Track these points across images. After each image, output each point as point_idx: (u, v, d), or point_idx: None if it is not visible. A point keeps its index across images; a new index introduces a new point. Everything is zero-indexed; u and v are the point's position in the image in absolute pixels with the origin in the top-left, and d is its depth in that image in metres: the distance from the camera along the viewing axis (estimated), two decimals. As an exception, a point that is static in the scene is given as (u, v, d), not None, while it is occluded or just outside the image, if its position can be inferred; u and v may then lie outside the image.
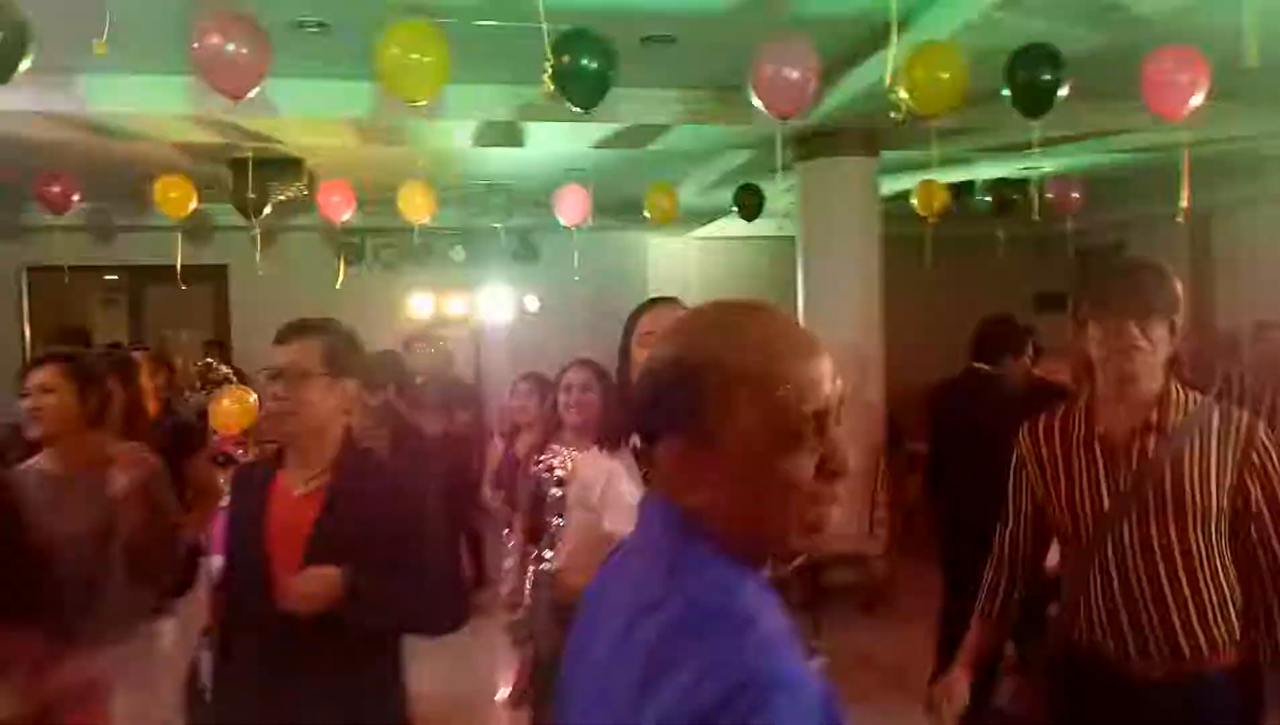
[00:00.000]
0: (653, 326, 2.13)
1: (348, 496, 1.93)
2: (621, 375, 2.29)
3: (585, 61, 3.38)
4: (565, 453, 3.17)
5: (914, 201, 6.00)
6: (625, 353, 2.25)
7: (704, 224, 8.65)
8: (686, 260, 9.46)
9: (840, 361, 0.87)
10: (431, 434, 5.49)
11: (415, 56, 3.15)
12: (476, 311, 8.88)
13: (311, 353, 1.93)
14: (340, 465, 1.96)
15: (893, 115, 3.43)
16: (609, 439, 2.62)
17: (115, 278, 9.44)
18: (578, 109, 3.50)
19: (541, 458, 3.20)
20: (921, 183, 6.03)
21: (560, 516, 3.00)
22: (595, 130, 5.25)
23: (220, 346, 8.47)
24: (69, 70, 4.16)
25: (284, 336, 1.96)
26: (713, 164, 6.61)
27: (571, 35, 3.35)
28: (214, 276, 8.65)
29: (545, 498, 3.07)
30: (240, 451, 5.37)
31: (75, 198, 5.91)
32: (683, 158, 6.30)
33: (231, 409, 4.99)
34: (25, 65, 2.89)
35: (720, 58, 4.27)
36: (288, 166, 6.07)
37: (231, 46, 2.84)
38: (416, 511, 1.99)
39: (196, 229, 7.75)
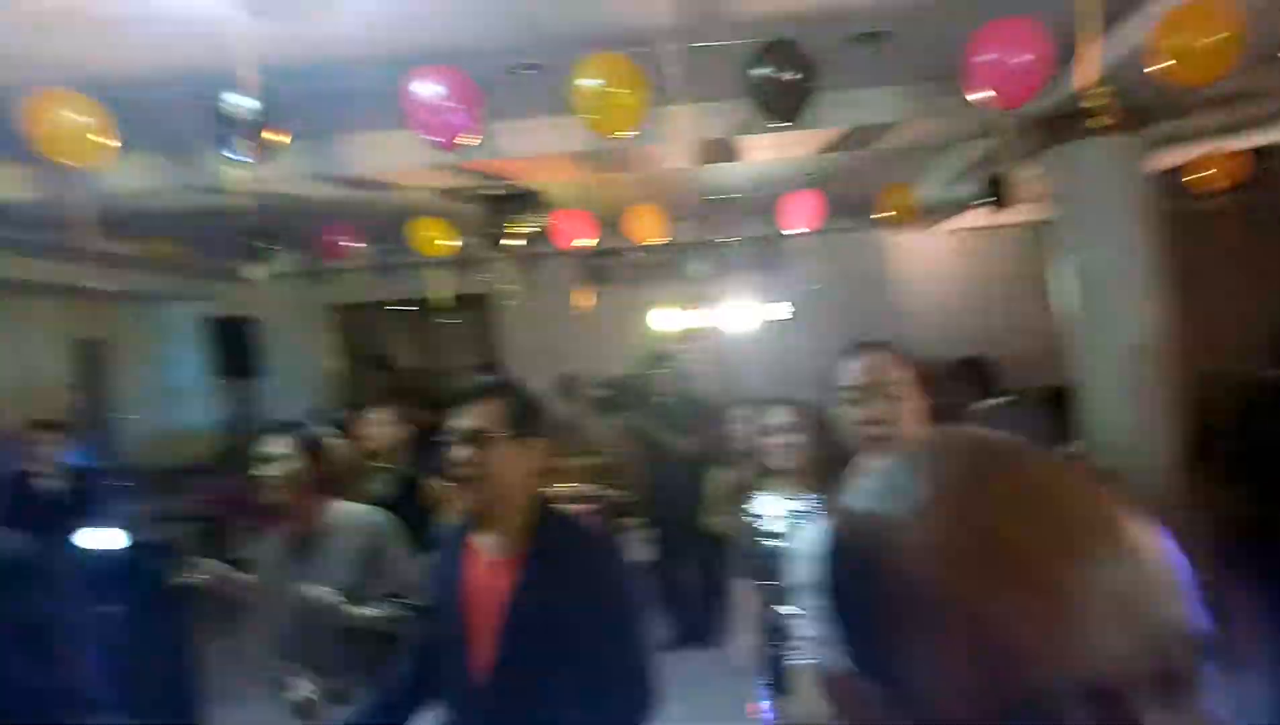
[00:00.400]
0: (864, 379, 1.90)
1: (547, 567, 1.87)
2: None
3: (782, 74, 3.28)
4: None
5: (1202, 174, 5.25)
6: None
7: (950, 217, 8.13)
8: (935, 256, 8.95)
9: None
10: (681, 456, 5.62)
11: (613, 91, 3.21)
12: (720, 324, 8.94)
13: (495, 415, 1.90)
14: (538, 532, 1.90)
15: (1093, 115, 3.01)
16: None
17: (405, 309, 10.61)
18: (782, 122, 3.40)
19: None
20: (1209, 153, 5.26)
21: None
22: (818, 136, 5.09)
23: (489, 370, 9.18)
24: (331, 136, 4.72)
25: (466, 399, 1.94)
26: (954, 155, 6.19)
27: (767, 48, 3.27)
28: (480, 305, 9.41)
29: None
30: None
31: (353, 245, 6.66)
32: (920, 152, 5.95)
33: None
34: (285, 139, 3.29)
35: (940, 48, 3.98)
36: (527, 199, 6.46)
37: (437, 100, 3.06)
38: (618, 590, 1.90)
39: (464, 261, 8.45)
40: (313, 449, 2.77)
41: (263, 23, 3.12)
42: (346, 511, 2.76)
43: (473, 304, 9.33)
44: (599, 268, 8.67)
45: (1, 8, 2.90)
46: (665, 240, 6.34)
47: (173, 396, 9.77)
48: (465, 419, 1.90)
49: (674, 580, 5.93)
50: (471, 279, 8.86)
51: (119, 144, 3.32)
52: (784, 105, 3.34)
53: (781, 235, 7.45)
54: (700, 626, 5.74)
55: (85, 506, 4.93)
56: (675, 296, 8.89)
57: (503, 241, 6.49)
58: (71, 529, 4.28)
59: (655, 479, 5.91)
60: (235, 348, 9.21)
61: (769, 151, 5.56)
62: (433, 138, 3.15)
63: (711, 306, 8.86)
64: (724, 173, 6.33)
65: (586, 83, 3.22)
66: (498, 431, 1.88)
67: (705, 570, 5.84)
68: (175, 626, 4.55)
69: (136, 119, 4.05)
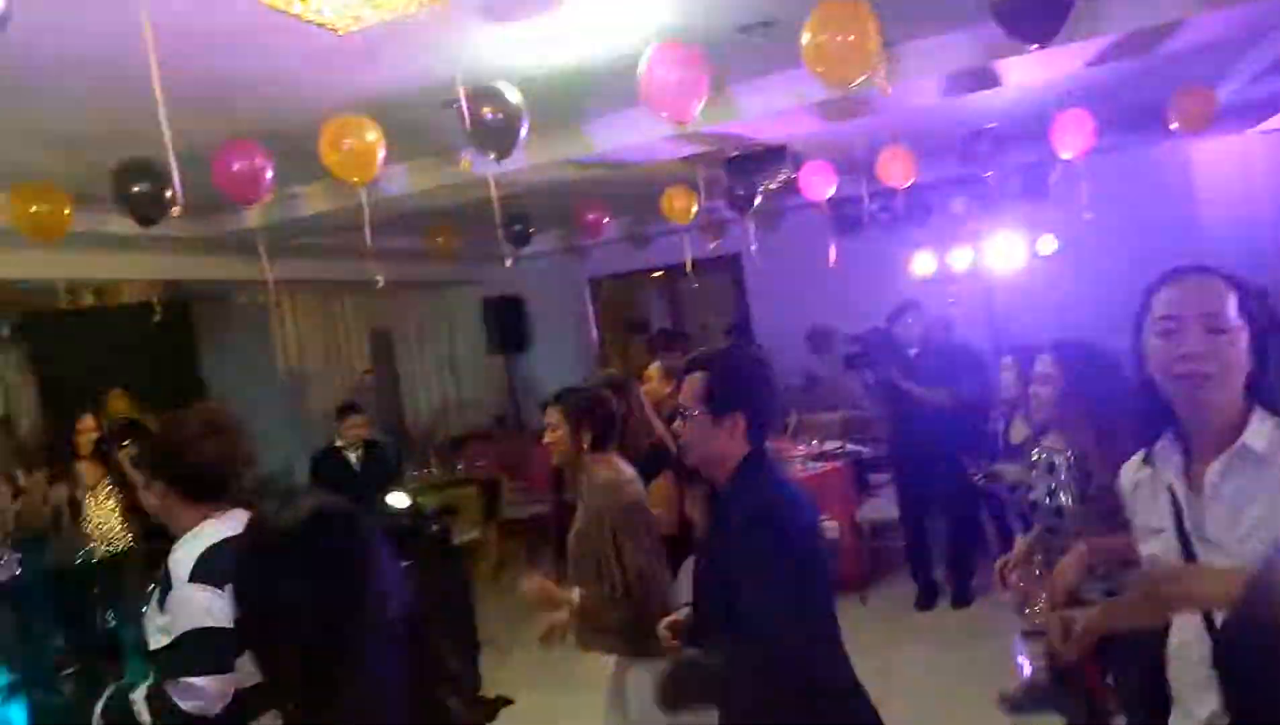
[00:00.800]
0: (1179, 311, 1.56)
1: (719, 521, 2.09)
2: (1138, 366, 1.66)
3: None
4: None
5: None
6: (1138, 329, 1.66)
7: (1260, 121, 7.01)
8: (1245, 162, 7.76)
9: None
10: (933, 409, 5.37)
11: (841, 39, 3.07)
12: (984, 264, 8.36)
13: (696, 391, 2.05)
14: (728, 488, 2.06)
15: None
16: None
17: (658, 276, 10.95)
18: (1031, 44, 3.10)
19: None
20: None
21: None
22: (1082, 48, 4.56)
23: (738, 330, 9.25)
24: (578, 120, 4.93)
25: (687, 368, 2.11)
26: (1259, 49, 5.31)
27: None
28: (729, 266, 9.46)
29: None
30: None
31: (606, 221, 6.94)
32: (1211, 50, 5.16)
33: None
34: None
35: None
36: (771, 156, 6.37)
37: (671, 76, 3.08)
38: (751, 547, 1.92)
39: (713, 223, 8.52)
40: (584, 414, 2.96)
41: (503, 26, 3.30)
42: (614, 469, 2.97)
43: (723, 265, 9.40)
44: (851, 217, 8.38)
45: (296, 42, 3.27)
46: (920, 180, 6.01)
47: (455, 372, 10.76)
48: (678, 394, 2.13)
49: (923, 537, 5.70)
50: (721, 240, 8.94)
51: (384, 154, 3.66)
52: (1033, 27, 3.02)
53: (1052, 161, 6.82)
54: (955, 584, 5.51)
55: (380, 474, 5.59)
56: (934, 240, 8.41)
57: (749, 200, 6.46)
58: (370, 495, 4.89)
59: (905, 433, 5.69)
60: (507, 324, 9.99)
61: (1031, 72, 5.07)
62: (668, 113, 3.18)
63: (975, 247, 8.29)
64: (981, 101, 5.87)
65: (818, 34, 3.10)
66: (694, 408, 2.03)
67: (956, 527, 5.58)
68: (453, 580, 5.05)
69: (405, 130, 4.48)
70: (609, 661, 2.95)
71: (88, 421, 4.92)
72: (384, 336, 8.37)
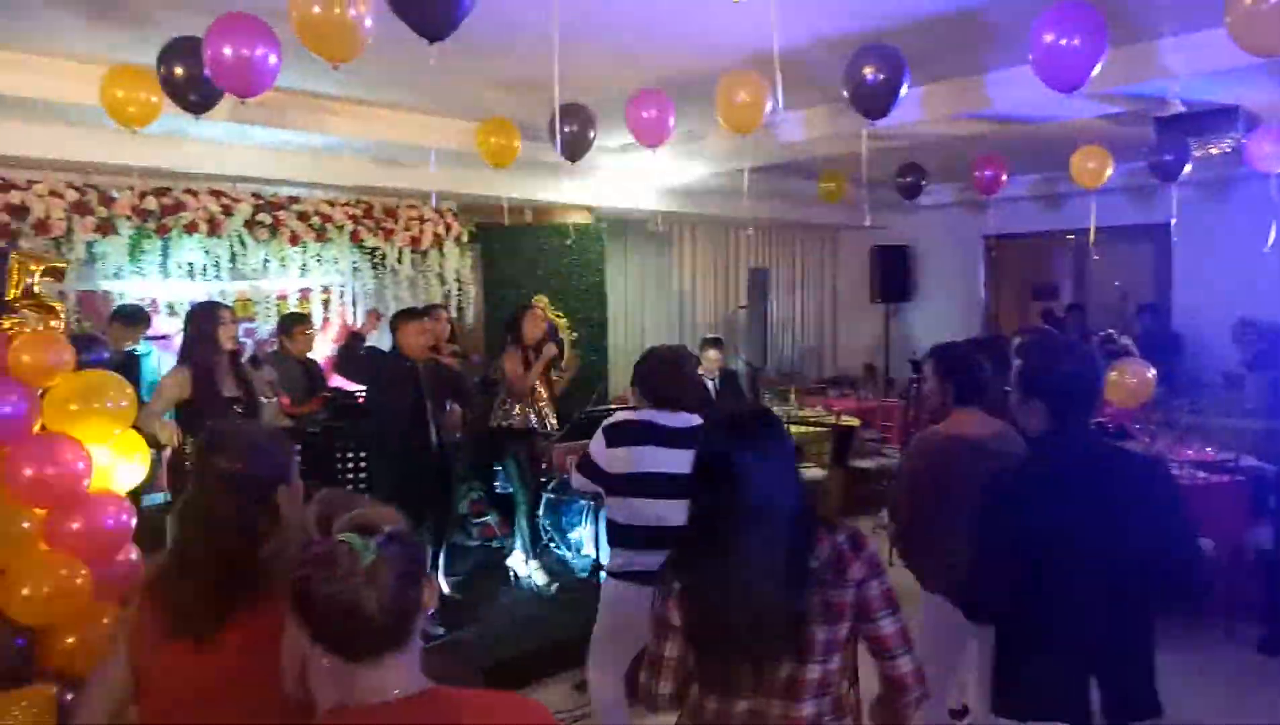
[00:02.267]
0: None
1: None
2: None
3: None
4: None
5: None
6: None
7: None
8: None
9: None
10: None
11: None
12: None
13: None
14: None
15: None
16: None
17: (1071, 238, 10.08)
18: None
19: None
20: None
21: None
22: None
23: (1152, 310, 8.27)
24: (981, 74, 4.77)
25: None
26: None
27: None
28: (1154, 237, 8.43)
29: None
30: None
31: (1004, 178, 6.58)
32: None
33: (1123, 383, 4.97)
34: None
35: None
36: (1215, 119, 5.56)
37: (1061, 38, 2.94)
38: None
39: (1134, 188, 7.67)
40: (952, 368, 3.06)
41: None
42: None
43: (1143, 235, 8.41)
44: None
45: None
46: None
47: (835, 316, 10.92)
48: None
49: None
50: (1143, 207, 8.01)
51: (771, 106, 3.90)
52: None
53: None
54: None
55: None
56: None
57: (1178, 166, 5.73)
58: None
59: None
60: (892, 274, 9.90)
61: None
62: (1055, 77, 3.04)
63: None
64: None
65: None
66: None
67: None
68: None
69: (800, 81, 4.68)
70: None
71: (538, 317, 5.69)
72: (762, 275, 8.79)
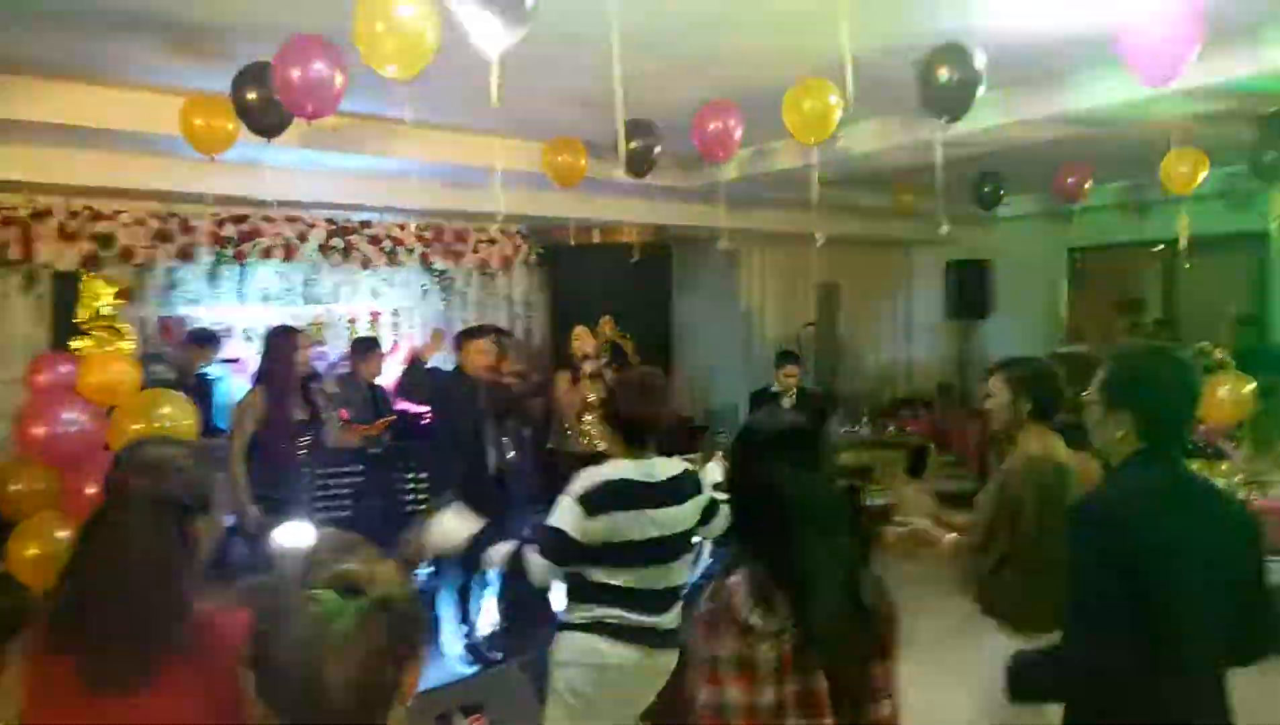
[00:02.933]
0: None
1: None
2: None
3: None
4: None
5: None
6: None
7: None
8: None
9: None
10: None
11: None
12: None
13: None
14: None
15: None
16: None
17: (1161, 249, 9.63)
18: None
19: None
20: None
21: None
22: None
23: (1253, 321, 7.84)
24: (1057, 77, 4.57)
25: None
26: None
27: None
28: (1252, 246, 7.99)
29: None
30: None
31: (1089, 184, 6.32)
32: None
33: (1224, 399, 4.69)
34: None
35: None
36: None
37: (1148, 36, 2.77)
38: None
39: (1232, 193, 7.30)
40: (1025, 382, 2.88)
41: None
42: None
43: (1239, 243, 7.98)
44: None
45: (755, 11, 3.54)
46: None
47: (908, 334, 10.64)
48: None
49: None
50: (1239, 214, 7.59)
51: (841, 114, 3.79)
52: None
53: None
54: None
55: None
56: None
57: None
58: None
59: None
60: (969, 289, 9.59)
61: None
62: (1145, 74, 2.86)
63: None
64: None
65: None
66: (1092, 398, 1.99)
67: None
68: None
69: (869, 90, 4.56)
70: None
71: (580, 332, 5.75)
72: (831, 290, 8.60)
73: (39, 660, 1.46)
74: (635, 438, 2.67)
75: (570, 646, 2.63)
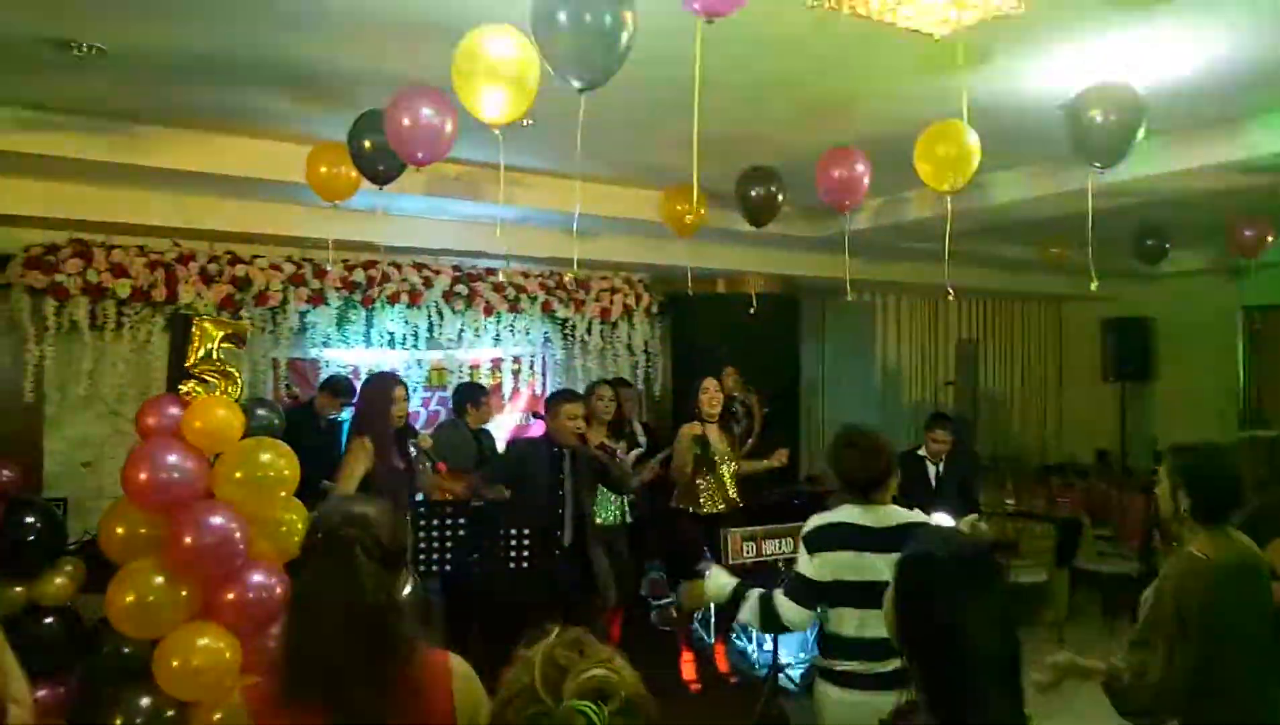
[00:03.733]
0: None
1: None
2: None
3: None
4: None
5: None
6: None
7: None
8: None
9: None
10: None
11: None
12: None
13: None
14: None
15: None
16: None
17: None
18: None
19: None
20: None
21: None
22: None
23: None
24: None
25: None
26: None
27: None
28: None
29: None
30: None
31: (1270, 238, 5.67)
32: None
33: None
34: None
35: None
36: None
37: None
38: None
39: None
40: (1187, 475, 2.53)
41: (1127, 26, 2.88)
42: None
43: None
44: None
45: (898, 53, 3.30)
46: None
47: (1060, 395, 9.88)
48: None
49: None
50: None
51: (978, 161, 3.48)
52: None
53: None
54: None
55: (955, 491, 5.33)
56: None
57: None
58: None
59: None
60: (1128, 349, 8.82)
61: None
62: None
63: None
64: None
65: None
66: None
67: None
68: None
69: (1013, 136, 4.22)
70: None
71: (711, 384, 5.42)
72: (970, 346, 8.06)
73: (278, 712, 1.51)
74: (859, 490, 2.81)
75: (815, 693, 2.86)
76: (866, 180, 4.10)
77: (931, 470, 5.49)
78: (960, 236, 6.50)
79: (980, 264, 7.80)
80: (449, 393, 6.45)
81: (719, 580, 2.99)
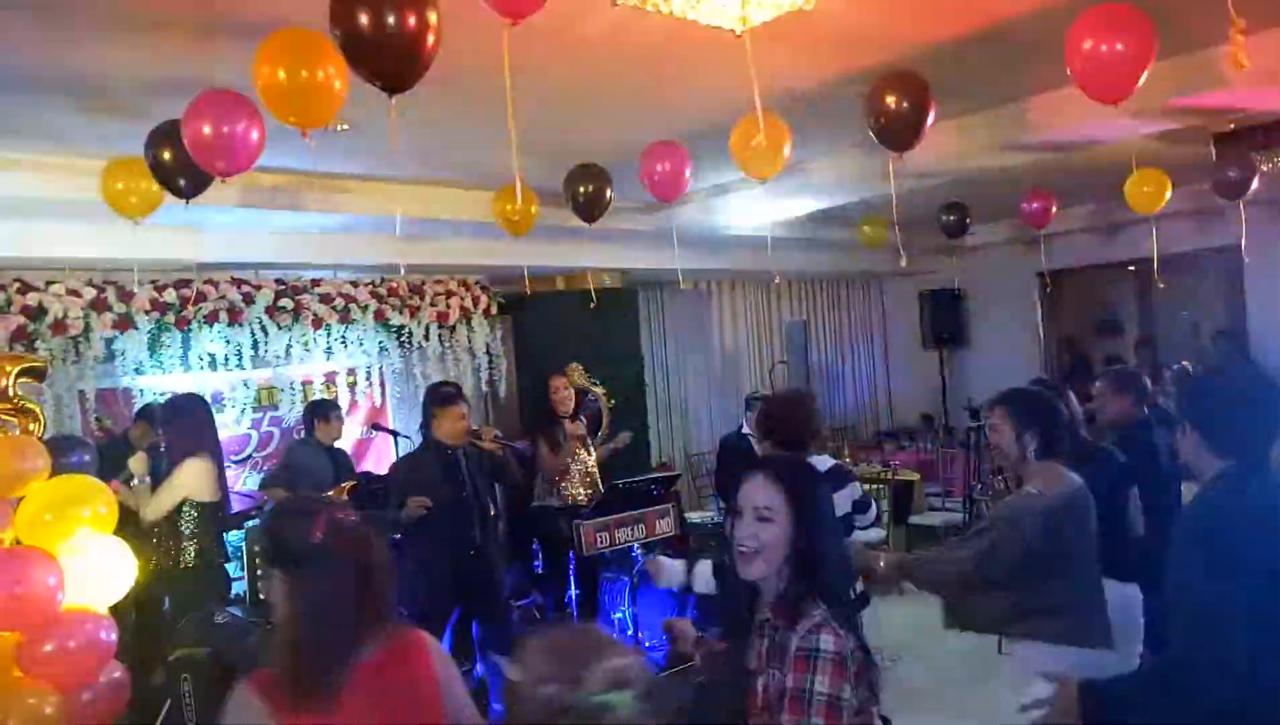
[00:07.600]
0: None
1: None
2: None
3: None
4: None
5: None
6: None
7: None
8: None
9: None
10: None
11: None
12: None
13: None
14: None
15: None
16: None
17: (1133, 270, 9.58)
18: None
19: None
20: None
21: None
22: None
23: (1228, 335, 7.75)
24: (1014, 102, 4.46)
25: None
26: None
27: None
28: (1224, 260, 7.91)
29: None
30: None
31: (1054, 210, 6.21)
32: None
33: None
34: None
35: None
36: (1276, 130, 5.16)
37: (1099, 49, 2.62)
38: None
39: (1204, 210, 7.20)
40: (1030, 416, 2.78)
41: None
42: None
43: (1211, 259, 7.92)
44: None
45: (704, 48, 3.40)
46: None
47: (887, 366, 10.50)
48: None
49: None
50: (1208, 230, 7.52)
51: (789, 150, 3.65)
52: None
53: None
54: None
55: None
56: None
57: (1243, 184, 5.33)
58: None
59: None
60: (944, 318, 9.48)
61: None
62: (1096, 91, 2.72)
63: None
64: None
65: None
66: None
67: None
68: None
69: (821, 124, 4.43)
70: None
71: (560, 383, 5.66)
72: (798, 328, 8.46)
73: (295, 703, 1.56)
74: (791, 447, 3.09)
75: None
76: (688, 173, 4.20)
77: (758, 448, 5.71)
78: (784, 223, 6.82)
79: (805, 248, 8.16)
80: (280, 411, 6.18)
81: (675, 563, 2.93)
